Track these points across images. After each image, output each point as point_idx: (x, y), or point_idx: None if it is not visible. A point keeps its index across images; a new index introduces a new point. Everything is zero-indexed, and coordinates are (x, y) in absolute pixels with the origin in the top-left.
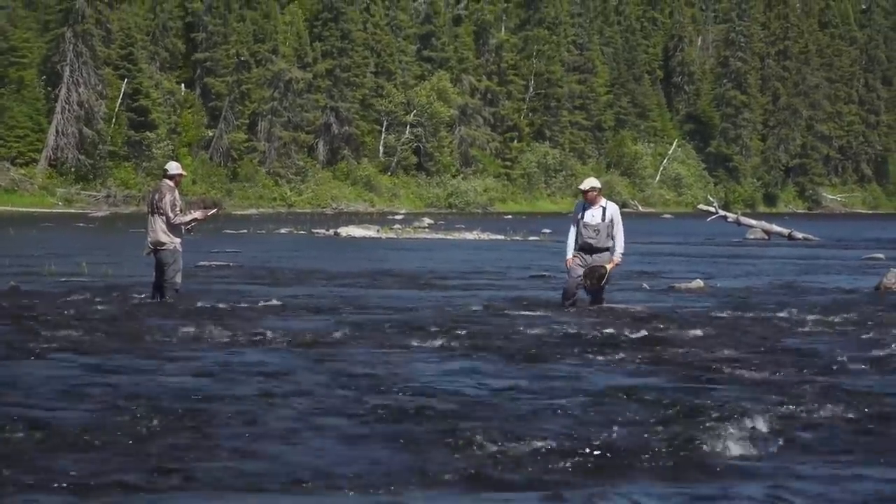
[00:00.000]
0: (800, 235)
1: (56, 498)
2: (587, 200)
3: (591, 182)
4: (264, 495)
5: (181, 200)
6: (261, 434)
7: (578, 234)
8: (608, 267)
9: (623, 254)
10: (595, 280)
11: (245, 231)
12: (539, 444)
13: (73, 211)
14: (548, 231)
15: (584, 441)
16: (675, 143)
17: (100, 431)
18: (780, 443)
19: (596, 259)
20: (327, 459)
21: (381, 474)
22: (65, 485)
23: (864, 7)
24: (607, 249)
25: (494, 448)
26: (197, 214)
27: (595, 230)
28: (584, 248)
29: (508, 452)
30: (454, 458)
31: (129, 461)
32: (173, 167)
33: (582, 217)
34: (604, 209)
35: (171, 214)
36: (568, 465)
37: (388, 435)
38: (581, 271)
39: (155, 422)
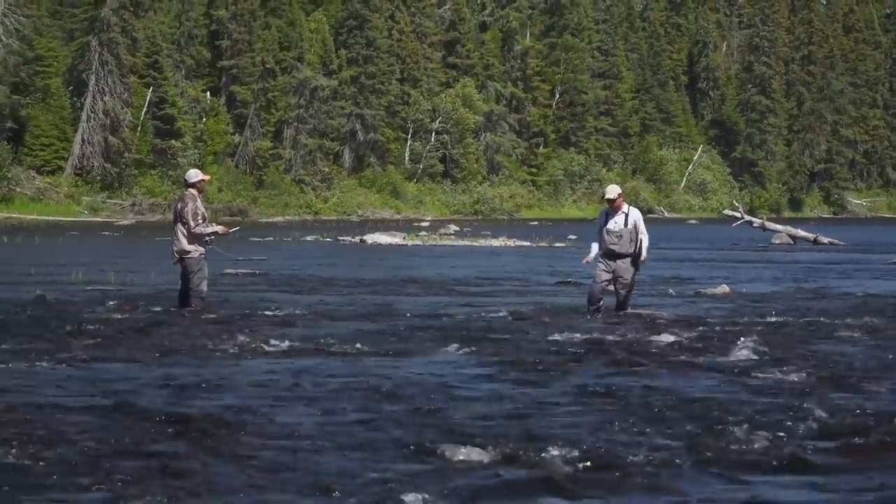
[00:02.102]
0: (825, 240)
1: None
2: (612, 208)
3: (616, 189)
4: (284, 499)
5: (204, 209)
6: (281, 440)
7: (602, 240)
8: (632, 274)
9: (648, 249)
10: (625, 294)
11: (271, 238)
12: (562, 452)
13: (98, 219)
14: (574, 237)
15: (611, 449)
16: (700, 149)
17: (118, 439)
18: (803, 447)
19: (619, 267)
20: (347, 466)
21: (399, 483)
22: (86, 495)
23: (888, 11)
24: (630, 255)
25: (516, 458)
26: (218, 229)
27: (618, 236)
28: (608, 254)
29: (531, 463)
30: (476, 470)
31: (149, 470)
32: (192, 175)
33: (605, 224)
34: (626, 215)
35: (191, 223)
36: (595, 475)
37: (408, 443)
38: (606, 276)
39: (176, 429)
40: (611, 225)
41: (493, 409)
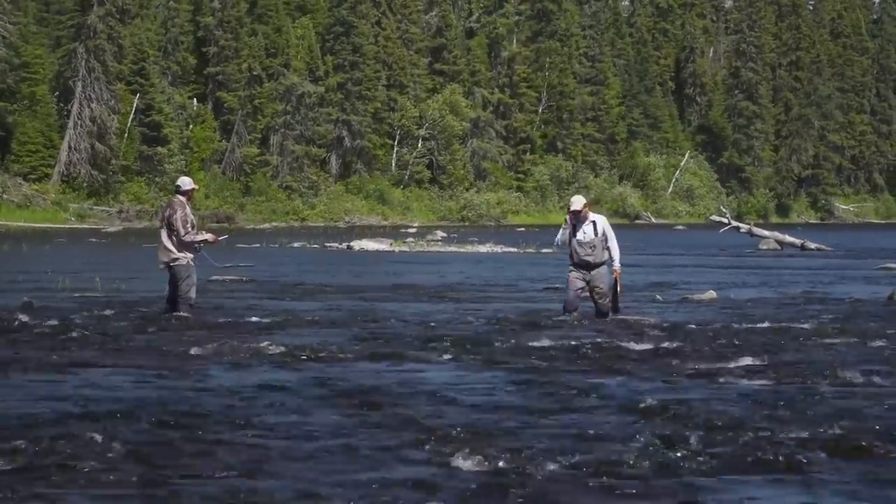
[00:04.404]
0: (813, 246)
1: None
2: (579, 219)
3: (581, 200)
4: None
5: (193, 216)
6: (269, 450)
7: (574, 253)
8: (613, 281)
9: (622, 263)
10: (604, 303)
11: (258, 245)
12: (548, 461)
13: (85, 226)
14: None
15: (595, 458)
16: (687, 155)
17: (106, 448)
18: (784, 453)
19: (595, 276)
20: (337, 476)
21: (384, 489)
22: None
23: (875, 17)
24: (604, 263)
25: (505, 466)
26: (207, 237)
27: (591, 246)
28: (582, 265)
29: (523, 471)
30: (464, 477)
31: (135, 478)
32: (186, 183)
33: (574, 235)
34: (594, 223)
35: (181, 231)
36: (584, 483)
37: (395, 449)
38: (580, 284)
39: (162, 438)
40: (580, 236)
41: (478, 414)
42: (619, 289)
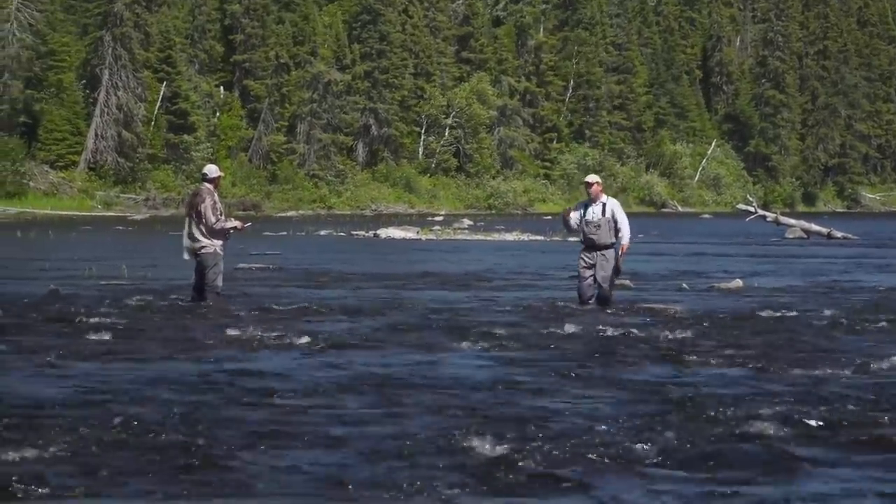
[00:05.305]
0: (839, 234)
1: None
2: (591, 195)
3: (595, 176)
4: (294, 500)
5: (221, 203)
6: (294, 436)
7: (581, 232)
8: (617, 254)
9: (630, 239)
10: (605, 287)
11: (285, 233)
12: (566, 445)
13: (112, 214)
14: None
15: (621, 443)
16: (713, 143)
17: (129, 433)
18: (807, 442)
19: (599, 258)
20: (361, 461)
21: (412, 476)
22: (99, 488)
23: None
24: (611, 245)
25: (522, 450)
26: (236, 224)
27: (596, 226)
28: (588, 244)
29: (540, 455)
30: (484, 460)
31: (161, 464)
32: (212, 170)
33: (584, 215)
34: (604, 205)
35: (212, 219)
36: (598, 465)
37: (422, 436)
38: (589, 273)
39: (188, 425)
40: (589, 215)
41: (500, 399)
42: (620, 254)
